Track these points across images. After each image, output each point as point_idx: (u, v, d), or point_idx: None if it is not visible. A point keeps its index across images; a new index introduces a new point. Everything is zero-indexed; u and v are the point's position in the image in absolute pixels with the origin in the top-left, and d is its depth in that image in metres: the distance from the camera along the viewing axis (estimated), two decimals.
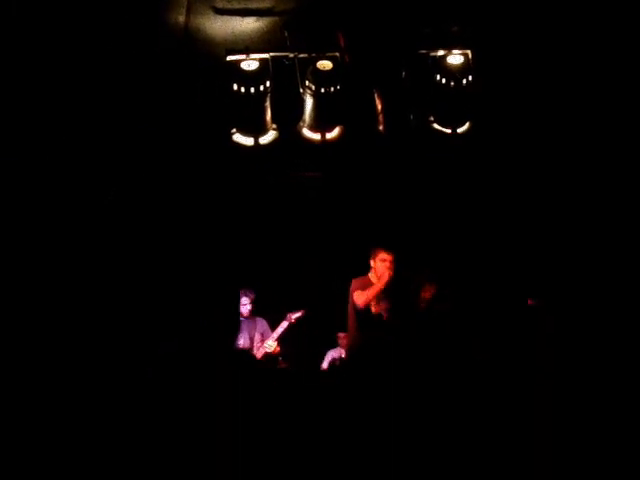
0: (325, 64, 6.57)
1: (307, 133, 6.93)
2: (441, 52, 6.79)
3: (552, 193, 7.65)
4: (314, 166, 7.52)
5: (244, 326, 7.43)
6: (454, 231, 7.83)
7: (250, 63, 6.49)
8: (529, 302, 7.11)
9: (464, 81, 6.75)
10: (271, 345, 7.33)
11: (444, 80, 6.75)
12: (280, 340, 7.46)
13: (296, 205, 7.89)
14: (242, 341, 7.28)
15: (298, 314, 7.37)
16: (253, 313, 7.57)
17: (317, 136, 6.92)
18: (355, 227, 7.94)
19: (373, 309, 7.13)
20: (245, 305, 7.43)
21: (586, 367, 5.97)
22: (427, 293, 7.45)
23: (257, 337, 7.39)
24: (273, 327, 7.52)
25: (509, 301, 7.13)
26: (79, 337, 6.65)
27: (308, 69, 6.60)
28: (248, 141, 6.83)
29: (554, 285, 7.12)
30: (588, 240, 7.33)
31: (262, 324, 7.45)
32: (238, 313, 7.49)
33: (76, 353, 6.55)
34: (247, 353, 7.23)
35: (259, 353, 7.37)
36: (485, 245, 7.75)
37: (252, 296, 7.45)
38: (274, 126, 6.86)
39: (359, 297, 7.05)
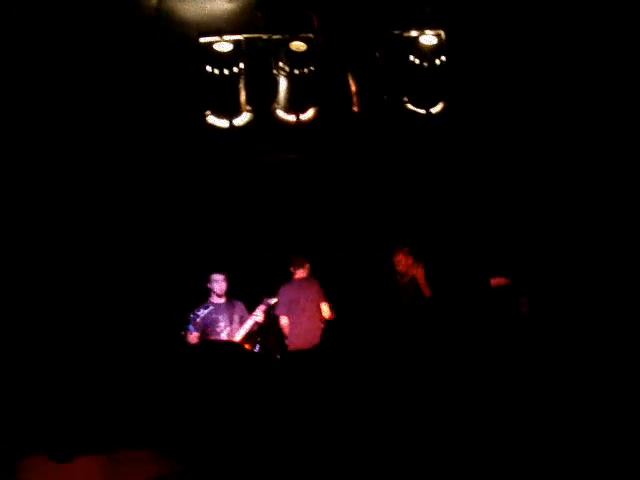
0: (299, 45, 6.60)
1: (281, 114, 6.95)
2: (414, 32, 6.83)
3: (526, 173, 7.71)
4: (289, 147, 7.52)
5: (222, 309, 7.38)
6: (427, 210, 7.86)
7: (223, 45, 6.51)
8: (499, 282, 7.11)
9: (437, 61, 6.80)
10: (259, 315, 7.27)
11: (417, 60, 6.80)
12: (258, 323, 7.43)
13: (271, 187, 7.88)
14: (222, 324, 7.25)
15: (275, 299, 7.35)
16: (228, 297, 7.52)
17: (292, 117, 6.94)
18: (330, 209, 7.94)
19: None
20: (218, 282, 7.34)
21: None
22: (402, 266, 7.45)
23: (236, 319, 7.35)
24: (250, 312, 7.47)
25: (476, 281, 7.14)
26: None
27: (282, 50, 6.62)
28: (223, 123, 6.83)
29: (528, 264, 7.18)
30: (560, 220, 7.41)
31: (240, 307, 7.41)
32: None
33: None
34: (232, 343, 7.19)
35: (239, 335, 7.34)
36: (457, 223, 7.78)
37: (224, 275, 7.38)
38: (248, 108, 6.86)
39: None
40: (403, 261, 7.37)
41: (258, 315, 7.14)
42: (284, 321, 7.28)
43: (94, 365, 6.25)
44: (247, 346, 7.23)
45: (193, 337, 7.02)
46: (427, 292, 7.34)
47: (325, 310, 7.31)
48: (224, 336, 7.17)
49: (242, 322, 7.28)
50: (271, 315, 7.32)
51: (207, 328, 7.10)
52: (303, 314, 7.22)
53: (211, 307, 7.17)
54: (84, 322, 6.77)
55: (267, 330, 7.42)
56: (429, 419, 5.13)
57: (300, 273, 7.43)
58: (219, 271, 7.22)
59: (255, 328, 7.23)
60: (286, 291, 7.33)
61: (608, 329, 5.98)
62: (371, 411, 5.18)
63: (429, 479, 4.78)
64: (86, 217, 7.12)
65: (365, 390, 5.36)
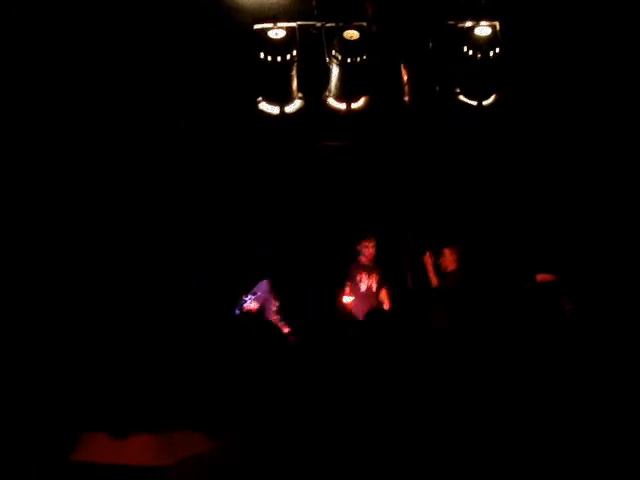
0: (352, 34, 6.56)
1: (333, 102, 6.95)
2: (469, 23, 6.76)
3: (579, 166, 7.61)
4: (339, 136, 7.53)
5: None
6: (477, 204, 7.81)
7: (277, 32, 6.50)
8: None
9: (491, 53, 6.72)
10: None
11: (471, 52, 6.73)
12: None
13: (320, 174, 7.91)
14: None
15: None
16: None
17: (342, 106, 6.94)
18: (378, 197, 7.94)
19: None
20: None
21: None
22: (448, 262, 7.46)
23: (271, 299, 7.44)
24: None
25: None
26: None
27: (335, 38, 6.60)
28: (274, 110, 6.86)
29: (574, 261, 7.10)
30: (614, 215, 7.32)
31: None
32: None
33: None
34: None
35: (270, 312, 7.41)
36: (507, 218, 7.72)
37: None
38: (300, 95, 6.87)
39: None
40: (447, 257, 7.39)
41: None
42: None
43: (154, 349, 6.37)
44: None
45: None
46: (434, 281, 7.39)
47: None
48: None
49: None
50: None
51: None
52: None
53: None
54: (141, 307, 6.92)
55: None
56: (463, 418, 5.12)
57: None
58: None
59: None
60: None
61: None
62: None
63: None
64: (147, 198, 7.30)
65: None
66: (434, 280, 7.41)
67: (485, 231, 7.70)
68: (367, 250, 7.61)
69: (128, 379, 5.88)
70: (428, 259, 7.47)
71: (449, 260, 7.40)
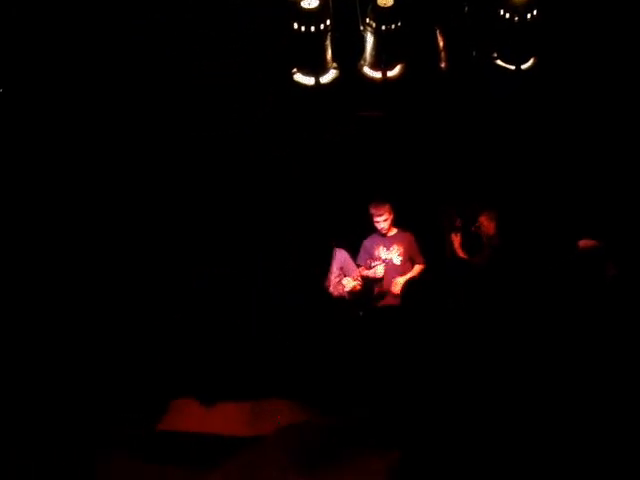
0: (386, 1, 6.50)
1: (368, 71, 6.90)
2: None
3: (618, 132, 7.48)
4: (376, 105, 7.47)
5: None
6: (518, 169, 7.73)
7: (310, 1, 6.45)
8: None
9: (528, 16, 6.61)
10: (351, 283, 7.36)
11: (508, 15, 6.62)
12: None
13: (358, 145, 7.88)
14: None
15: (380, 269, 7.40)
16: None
17: (378, 74, 6.89)
18: (418, 167, 7.90)
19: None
20: None
21: None
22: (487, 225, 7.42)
23: (336, 266, 7.44)
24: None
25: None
26: None
27: (369, 6, 6.54)
28: (309, 80, 6.83)
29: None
30: None
31: (343, 254, 7.51)
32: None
33: None
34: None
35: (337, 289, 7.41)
36: (544, 183, 7.64)
37: None
38: (335, 65, 6.83)
39: None
40: (486, 223, 7.34)
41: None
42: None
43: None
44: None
45: None
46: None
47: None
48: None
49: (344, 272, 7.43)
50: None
51: None
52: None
53: None
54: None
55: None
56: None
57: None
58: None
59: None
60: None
61: None
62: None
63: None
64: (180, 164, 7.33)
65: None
66: (464, 256, 7.38)
67: (524, 198, 7.61)
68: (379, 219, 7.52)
69: (216, 350, 6.01)
70: (455, 237, 7.45)
71: (488, 227, 7.36)
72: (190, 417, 4.82)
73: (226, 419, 4.81)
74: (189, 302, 7.11)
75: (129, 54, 6.88)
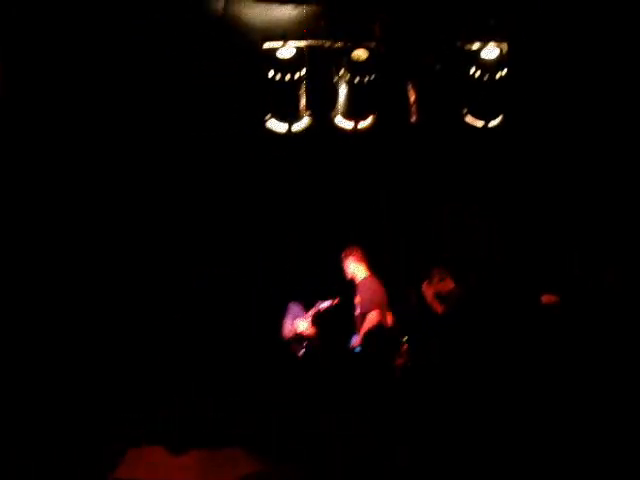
0: (360, 54, 6.63)
1: (340, 121, 7.00)
2: (477, 45, 6.81)
3: (581, 187, 7.66)
4: (346, 154, 7.59)
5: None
6: (481, 221, 7.88)
7: (286, 51, 6.58)
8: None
9: (498, 75, 6.77)
10: (303, 325, 7.33)
11: (478, 73, 6.78)
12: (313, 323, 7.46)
13: (328, 190, 7.98)
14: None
15: (328, 303, 7.37)
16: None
17: (350, 124, 6.99)
18: (384, 217, 8.01)
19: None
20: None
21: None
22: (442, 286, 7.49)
23: (290, 318, 7.47)
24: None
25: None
26: None
27: (343, 58, 6.67)
28: (281, 127, 6.91)
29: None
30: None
31: (296, 308, 7.53)
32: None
33: None
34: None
35: (290, 332, 7.42)
36: (511, 236, 7.79)
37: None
38: (308, 113, 6.92)
39: None
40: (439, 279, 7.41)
41: (307, 318, 7.25)
42: (376, 315, 7.10)
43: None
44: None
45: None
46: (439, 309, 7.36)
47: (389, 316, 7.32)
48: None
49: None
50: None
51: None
52: (384, 314, 7.17)
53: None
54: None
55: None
56: None
57: (364, 269, 7.40)
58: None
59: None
60: (374, 285, 7.29)
61: None
62: None
63: None
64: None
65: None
66: (439, 308, 7.42)
67: (491, 252, 7.74)
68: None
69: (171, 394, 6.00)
70: (427, 288, 7.48)
71: (445, 282, 7.44)
72: (147, 466, 4.82)
73: (182, 468, 4.82)
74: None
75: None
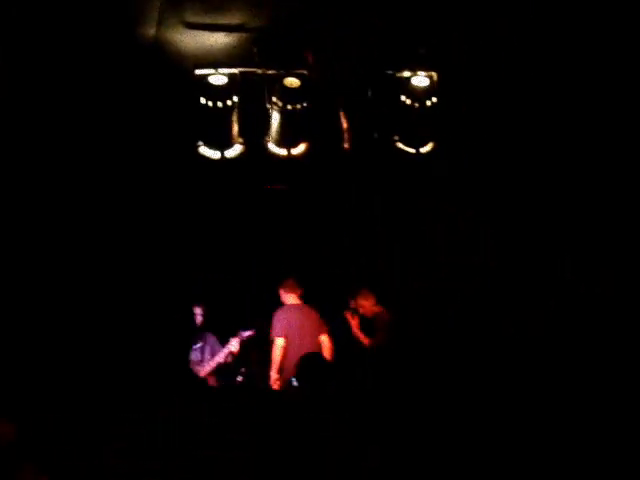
0: (292, 81, 6.67)
1: (273, 148, 7.02)
2: (407, 73, 6.92)
3: (516, 215, 7.80)
4: (279, 180, 7.62)
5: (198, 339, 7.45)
6: (413, 247, 7.98)
7: (219, 77, 6.59)
8: None
9: (428, 102, 6.88)
10: (234, 345, 7.24)
11: (409, 101, 6.88)
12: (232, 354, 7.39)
13: (261, 218, 7.99)
14: (196, 355, 7.33)
15: (249, 332, 7.31)
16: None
17: (283, 151, 7.01)
18: (317, 243, 8.06)
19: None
20: (198, 315, 7.46)
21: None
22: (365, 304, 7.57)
23: (207, 350, 7.39)
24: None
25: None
26: None
27: (275, 85, 6.70)
28: (214, 154, 6.90)
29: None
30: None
31: (212, 339, 7.46)
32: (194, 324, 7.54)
33: None
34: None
35: (208, 367, 7.32)
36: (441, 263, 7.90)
37: (203, 308, 7.49)
38: (240, 140, 6.93)
39: None
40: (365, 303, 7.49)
41: (233, 345, 7.16)
42: (281, 342, 7.12)
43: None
44: (210, 380, 7.25)
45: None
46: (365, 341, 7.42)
47: (325, 342, 7.27)
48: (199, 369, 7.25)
49: (213, 353, 7.33)
50: (247, 346, 7.31)
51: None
52: (304, 341, 7.09)
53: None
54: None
55: (248, 360, 7.43)
56: None
57: (293, 298, 7.42)
58: (197, 303, 7.37)
59: (229, 359, 7.25)
60: (286, 313, 7.30)
61: None
62: None
63: None
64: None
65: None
66: (365, 340, 7.48)
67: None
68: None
69: None
70: (351, 318, 7.54)
71: (369, 306, 7.52)
72: None
73: None
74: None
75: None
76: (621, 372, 6.11)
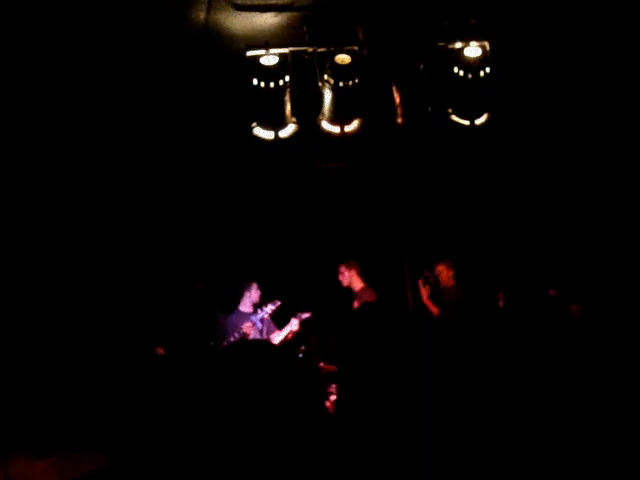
0: (344, 58, 6.64)
1: (326, 126, 7.01)
2: (459, 44, 6.84)
3: (568, 185, 7.69)
4: (333, 159, 7.62)
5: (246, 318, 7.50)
6: (470, 222, 7.91)
7: (270, 58, 6.59)
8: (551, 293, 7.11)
9: (481, 73, 6.79)
10: (295, 325, 7.37)
11: (462, 72, 6.80)
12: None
13: (317, 198, 8.01)
14: (258, 325, 7.40)
15: (307, 315, 7.42)
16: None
17: (336, 129, 7.00)
18: (372, 222, 8.05)
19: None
20: (255, 291, 7.57)
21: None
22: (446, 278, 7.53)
23: (265, 324, 7.49)
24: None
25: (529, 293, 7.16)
26: None
27: (327, 63, 6.68)
28: (268, 134, 6.93)
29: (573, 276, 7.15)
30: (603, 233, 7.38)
31: (267, 316, 7.56)
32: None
33: None
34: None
35: (275, 341, 7.42)
36: (500, 236, 7.81)
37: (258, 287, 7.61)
38: (294, 119, 6.94)
39: None
40: (444, 273, 7.46)
41: (294, 324, 7.29)
42: None
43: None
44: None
45: None
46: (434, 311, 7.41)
47: None
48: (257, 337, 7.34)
49: (269, 330, 7.44)
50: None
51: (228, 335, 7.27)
52: None
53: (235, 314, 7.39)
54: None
55: (308, 341, 7.51)
56: None
57: (356, 276, 7.50)
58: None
59: (289, 337, 7.37)
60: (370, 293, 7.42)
61: None
62: None
63: None
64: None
65: None
66: (434, 310, 7.46)
67: (482, 249, 7.77)
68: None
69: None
70: (424, 290, 7.53)
71: (446, 277, 7.49)
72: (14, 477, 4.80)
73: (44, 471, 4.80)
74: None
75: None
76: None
